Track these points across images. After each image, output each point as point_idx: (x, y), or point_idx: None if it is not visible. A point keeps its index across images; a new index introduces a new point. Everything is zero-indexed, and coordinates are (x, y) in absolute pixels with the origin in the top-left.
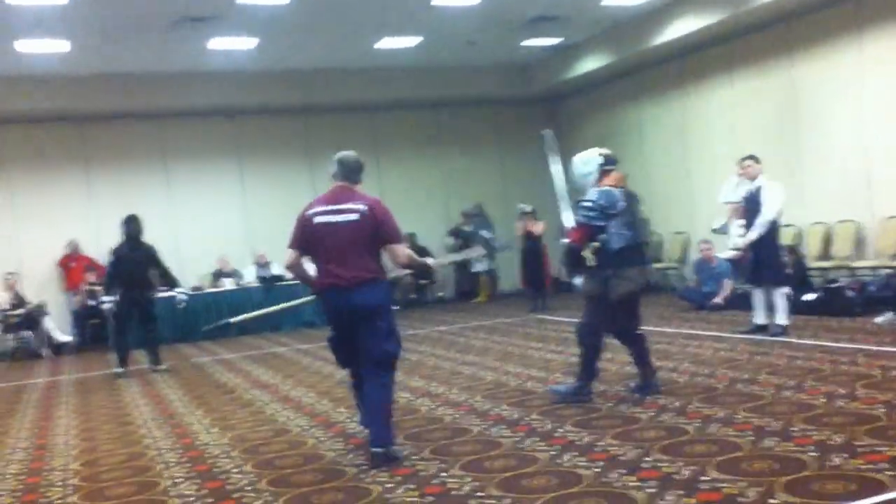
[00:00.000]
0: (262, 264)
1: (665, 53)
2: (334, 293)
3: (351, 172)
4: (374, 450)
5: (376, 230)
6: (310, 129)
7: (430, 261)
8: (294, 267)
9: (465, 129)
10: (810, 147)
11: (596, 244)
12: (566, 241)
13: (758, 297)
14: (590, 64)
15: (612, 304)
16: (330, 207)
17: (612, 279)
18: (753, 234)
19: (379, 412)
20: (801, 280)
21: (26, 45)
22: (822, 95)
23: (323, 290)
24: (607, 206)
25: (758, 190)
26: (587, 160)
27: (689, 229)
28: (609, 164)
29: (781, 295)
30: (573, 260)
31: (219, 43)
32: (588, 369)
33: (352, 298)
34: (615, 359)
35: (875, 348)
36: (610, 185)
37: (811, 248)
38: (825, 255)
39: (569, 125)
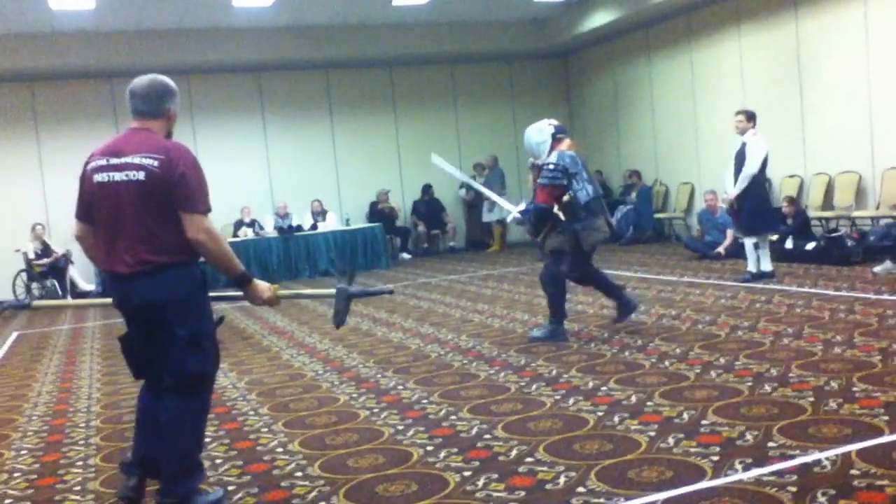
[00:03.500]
0: (282, 215)
1: (674, 8)
2: (114, 283)
3: (143, 102)
4: (159, 500)
5: (171, 191)
6: (331, 84)
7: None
8: (84, 243)
9: (480, 82)
10: (814, 100)
11: (567, 199)
12: (534, 206)
13: (748, 246)
14: (601, 18)
15: (583, 253)
16: (111, 161)
17: (583, 231)
18: (738, 187)
19: (169, 450)
20: (802, 229)
21: (58, 2)
22: (826, 49)
23: (107, 278)
24: (570, 166)
25: (744, 145)
26: (541, 129)
27: (696, 180)
28: (560, 132)
29: (765, 242)
30: (542, 219)
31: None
32: (559, 312)
33: (133, 292)
34: None
35: (873, 296)
36: (566, 150)
37: (813, 198)
38: (827, 205)
39: (580, 79)
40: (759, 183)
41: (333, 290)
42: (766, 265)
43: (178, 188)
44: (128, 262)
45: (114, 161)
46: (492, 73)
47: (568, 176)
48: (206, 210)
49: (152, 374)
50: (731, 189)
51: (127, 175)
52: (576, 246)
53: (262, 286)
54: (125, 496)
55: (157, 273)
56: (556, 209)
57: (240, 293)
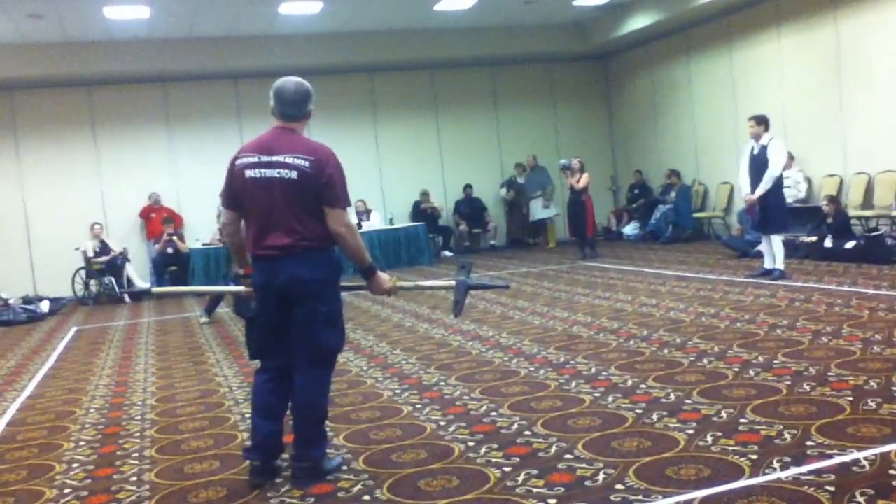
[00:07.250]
0: None
1: (713, 10)
2: (263, 264)
3: (291, 107)
4: (295, 465)
5: (320, 189)
6: (375, 87)
7: (387, 281)
8: (229, 228)
9: (520, 85)
10: (853, 100)
11: None
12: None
13: (765, 244)
14: (640, 21)
15: None
16: (263, 158)
17: None
18: (763, 188)
19: (305, 417)
20: (842, 228)
21: (113, 12)
22: (866, 49)
23: (252, 261)
24: None
25: (763, 148)
26: None
27: (735, 180)
28: None
29: (780, 242)
30: None
31: (289, 7)
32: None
33: (283, 270)
34: (660, 304)
35: None
36: None
37: (853, 197)
38: (867, 204)
39: (620, 81)
40: (780, 183)
41: (454, 282)
42: (781, 263)
43: (326, 187)
44: (278, 245)
45: (265, 159)
46: (532, 75)
47: None
48: (346, 205)
49: (272, 355)
50: (747, 190)
51: (280, 172)
52: None
53: (384, 277)
54: (254, 483)
55: (305, 254)
56: None
57: (361, 283)
